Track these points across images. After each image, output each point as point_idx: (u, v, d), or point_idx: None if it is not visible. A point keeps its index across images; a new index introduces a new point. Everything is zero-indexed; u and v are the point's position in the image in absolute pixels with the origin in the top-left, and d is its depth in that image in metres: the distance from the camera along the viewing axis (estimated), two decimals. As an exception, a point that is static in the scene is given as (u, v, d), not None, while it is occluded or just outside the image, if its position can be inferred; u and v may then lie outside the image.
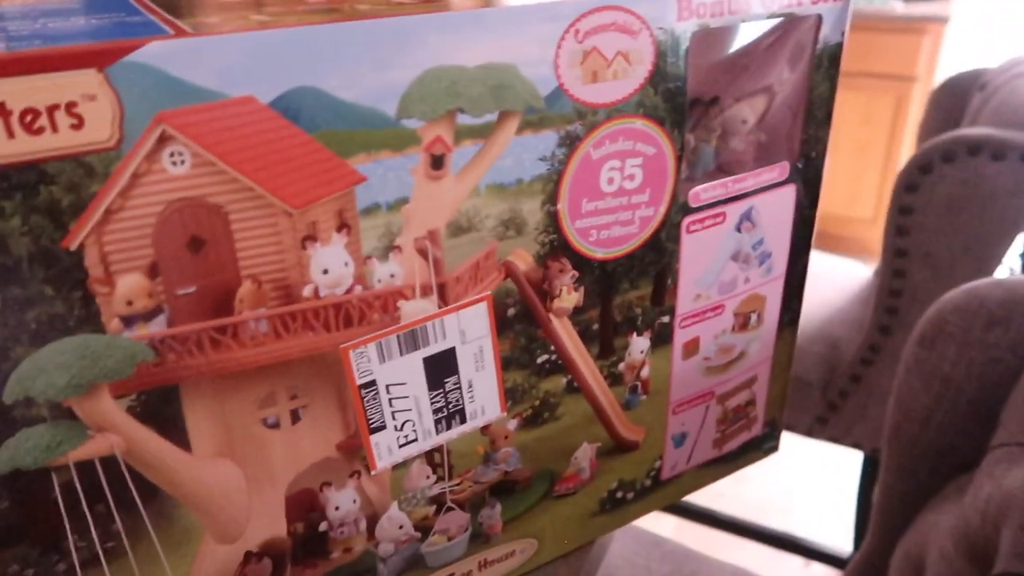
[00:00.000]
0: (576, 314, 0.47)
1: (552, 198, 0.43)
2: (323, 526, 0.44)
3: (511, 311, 0.45)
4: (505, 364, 0.46)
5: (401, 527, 0.46)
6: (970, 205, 1.04)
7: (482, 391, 0.45)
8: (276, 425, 0.40)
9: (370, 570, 0.46)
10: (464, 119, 0.38)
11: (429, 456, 0.46)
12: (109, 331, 0.34)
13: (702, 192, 0.48)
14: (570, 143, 0.42)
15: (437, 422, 0.45)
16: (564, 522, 0.54)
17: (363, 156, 0.37)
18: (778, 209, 0.52)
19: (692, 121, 0.50)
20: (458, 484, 0.48)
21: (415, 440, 0.44)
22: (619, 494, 0.55)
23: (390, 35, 0.35)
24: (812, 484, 1.94)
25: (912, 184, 1.07)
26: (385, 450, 0.44)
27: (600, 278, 0.47)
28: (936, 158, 1.04)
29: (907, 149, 2.54)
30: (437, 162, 0.39)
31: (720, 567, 0.91)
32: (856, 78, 2.53)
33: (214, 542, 0.41)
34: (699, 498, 1.77)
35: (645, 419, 0.54)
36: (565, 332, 0.47)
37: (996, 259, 1.07)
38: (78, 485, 0.36)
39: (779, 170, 0.50)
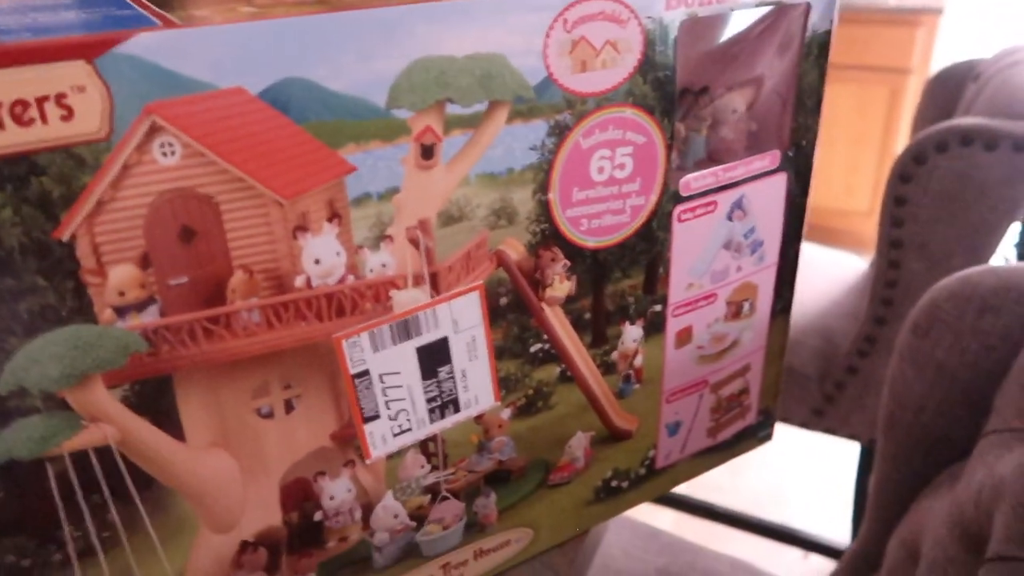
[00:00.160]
0: (568, 303, 0.47)
1: (543, 187, 0.43)
2: (318, 516, 0.44)
3: (503, 300, 0.45)
4: (498, 353, 0.46)
5: (396, 516, 0.47)
6: (964, 195, 1.04)
7: (475, 380, 0.46)
8: (270, 415, 0.41)
9: (365, 559, 0.47)
10: (453, 109, 0.39)
11: (423, 445, 0.46)
12: (102, 322, 0.34)
13: (693, 181, 0.48)
14: (560, 132, 0.42)
15: (431, 411, 0.45)
16: (559, 511, 0.54)
17: (353, 146, 0.37)
18: (769, 197, 0.52)
19: (682, 110, 0.50)
20: (452, 473, 0.48)
21: (409, 429, 0.45)
22: (614, 483, 0.56)
23: (378, 25, 0.35)
24: (809, 476, 1.94)
25: (906, 175, 1.07)
26: (379, 439, 0.44)
27: (592, 267, 0.47)
28: (930, 148, 1.04)
29: (902, 142, 2.54)
30: (427, 152, 0.39)
31: (716, 558, 0.92)
32: (850, 71, 2.53)
33: (209, 532, 0.41)
34: (697, 491, 1.77)
35: (639, 408, 0.54)
36: (558, 321, 0.47)
37: (991, 248, 1.08)
38: (73, 476, 0.36)
39: (770, 158, 0.51)
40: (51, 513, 0.36)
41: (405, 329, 0.42)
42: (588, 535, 0.58)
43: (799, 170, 0.52)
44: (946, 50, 2.42)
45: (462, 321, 0.44)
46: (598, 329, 0.49)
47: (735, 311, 0.55)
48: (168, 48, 0.32)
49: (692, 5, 0.43)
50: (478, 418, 0.47)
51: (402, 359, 0.43)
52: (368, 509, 0.46)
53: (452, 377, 0.45)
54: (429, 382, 0.44)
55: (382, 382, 0.42)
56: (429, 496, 0.48)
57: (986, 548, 0.53)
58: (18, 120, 0.30)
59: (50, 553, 0.37)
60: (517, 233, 0.43)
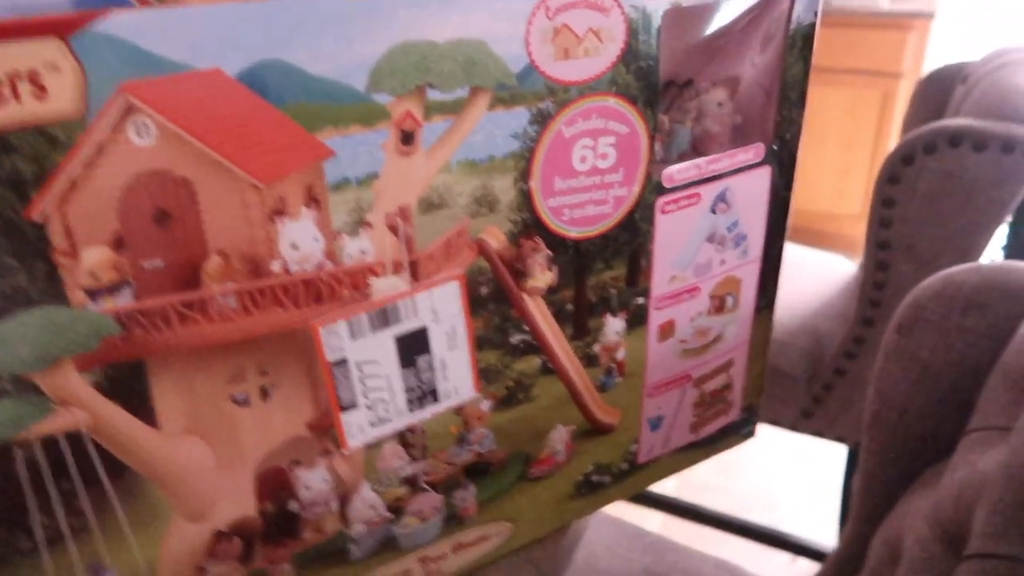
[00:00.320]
0: (550, 294, 0.47)
1: (524, 176, 0.43)
2: (294, 506, 0.44)
3: (484, 290, 0.44)
4: (479, 344, 0.46)
5: (373, 508, 0.46)
6: (952, 196, 1.05)
7: (455, 371, 0.45)
8: (246, 402, 0.40)
9: (342, 551, 0.46)
10: (434, 95, 0.38)
11: (402, 436, 0.46)
12: (74, 304, 0.34)
13: (676, 173, 0.48)
14: (542, 120, 0.42)
15: (410, 401, 0.45)
16: (539, 505, 0.54)
17: (332, 130, 0.37)
18: (753, 191, 0.52)
19: (667, 102, 0.50)
20: (432, 465, 0.47)
21: (387, 420, 0.44)
22: (595, 477, 0.55)
23: (359, 9, 0.35)
24: (801, 478, 1.94)
25: (894, 176, 1.07)
26: (356, 429, 0.43)
27: (574, 258, 0.47)
28: (918, 149, 1.04)
29: (894, 145, 2.55)
30: (407, 137, 0.39)
31: (702, 558, 0.91)
32: (843, 74, 2.54)
33: (183, 520, 0.40)
34: (686, 492, 1.77)
35: (621, 401, 0.54)
36: (539, 312, 0.47)
37: (979, 250, 1.08)
38: (43, 461, 0.36)
39: (754, 151, 0.50)
40: (19, 499, 0.36)
41: (384, 317, 0.42)
42: (569, 530, 0.57)
43: (783, 164, 0.52)
44: (938, 54, 2.43)
45: (442, 310, 0.43)
46: (580, 321, 0.49)
47: (718, 305, 0.55)
48: (144, 28, 0.31)
49: (676, -5, 0.43)
50: (458, 409, 0.47)
51: (381, 348, 0.42)
52: (345, 500, 0.45)
53: (431, 367, 0.44)
54: (408, 372, 0.44)
55: (360, 371, 0.42)
56: (407, 488, 0.47)
57: (966, 546, 0.53)
58: (-12, 97, 0.30)
59: (18, 540, 0.37)
60: (498, 222, 0.43)
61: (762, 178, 0.52)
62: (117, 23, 0.31)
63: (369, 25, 0.35)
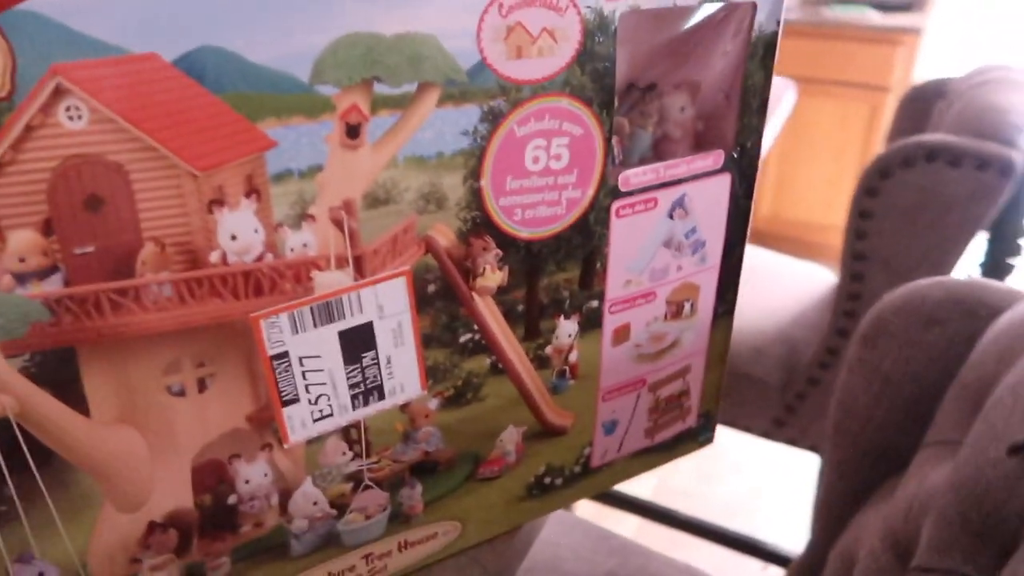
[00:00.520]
0: (501, 294, 0.46)
1: (475, 174, 0.42)
2: (232, 499, 0.43)
3: (432, 287, 0.44)
4: (426, 341, 0.45)
5: (315, 503, 0.46)
6: (927, 211, 1.05)
7: (401, 368, 0.45)
8: (182, 393, 0.40)
9: (282, 546, 0.46)
10: (382, 88, 0.38)
11: (346, 432, 0.45)
12: (1, 288, 0.33)
13: (633, 176, 0.48)
14: (493, 119, 0.41)
15: (354, 397, 0.44)
16: (489, 506, 0.53)
17: (274, 121, 0.36)
18: (712, 198, 0.52)
19: (628, 106, 0.50)
20: (376, 462, 0.47)
21: (330, 415, 0.44)
22: (547, 479, 0.55)
23: (303, -3, 0.34)
24: (780, 486, 1.95)
25: (872, 189, 1.07)
26: (298, 424, 0.43)
27: (526, 258, 0.46)
28: (895, 163, 1.04)
29: (881, 159, 2.56)
30: (352, 131, 0.38)
31: (669, 563, 0.91)
32: (832, 86, 2.54)
33: (115, 510, 0.40)
34: (664, 497, 1.77)
35: (574, 404, 0.53)
36: (489, 312, 0.47)
37: (952, 263, 1.08)
38: (-33, 446, 0.35)
39: (713, 158, 0.50)
40: (-58, 483, 0.35)
41: (327, 312, 0.41)
42: (520, 532, 0.57)
43: (744, 172, 0.52)
44: (926, 69, 2.44)
45: (388, 306, 0.43)
46: (531, 322, 0.49)
47: (676, 311, 0.54)
48: (77, 9, 0.31)
49: (635, -3, 0.42)
50: (404, 407, 0.46)
51: (323, 343, 0.42)
52: (286, 495, 0.45)
53: (376, 363, 0.44)
54: (352, 367, 0.43)
55: (302, 365, 0.42)
56: (351, 484, 0.47)
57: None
58: (-90, 73, 0.29)
59: (-60, 525, 0.36)
60: (447, 219, 0.43)
61: (721, 185, 0.51)
62: (48, 2, 0.30)
63: (313, 14, 0.35)
